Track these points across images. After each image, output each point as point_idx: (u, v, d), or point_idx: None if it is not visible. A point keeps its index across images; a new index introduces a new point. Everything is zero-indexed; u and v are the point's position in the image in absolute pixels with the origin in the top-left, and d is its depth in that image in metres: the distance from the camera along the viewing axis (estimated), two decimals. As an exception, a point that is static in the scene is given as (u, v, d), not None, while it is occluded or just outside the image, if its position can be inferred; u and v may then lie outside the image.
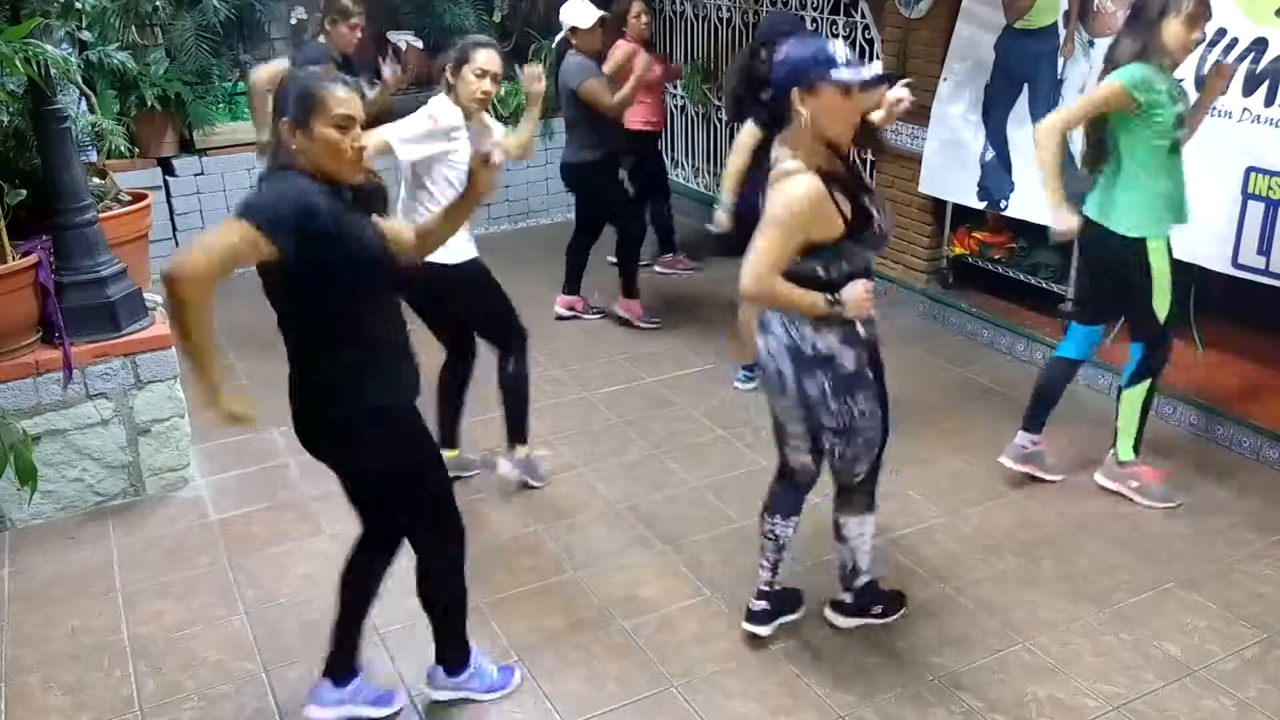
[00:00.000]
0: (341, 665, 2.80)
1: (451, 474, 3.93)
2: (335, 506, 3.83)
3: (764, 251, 2.55)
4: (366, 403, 2.45)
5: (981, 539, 3.60)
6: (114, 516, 3.84)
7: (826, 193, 2.54)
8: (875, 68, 2.57)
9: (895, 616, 3.17)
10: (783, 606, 3.17)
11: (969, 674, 2.95)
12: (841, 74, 2.49)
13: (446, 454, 3.96)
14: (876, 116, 3.13)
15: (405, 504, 2.62)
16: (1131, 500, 3.76)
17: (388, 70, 5.25)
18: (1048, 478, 3.91)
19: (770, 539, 3.06)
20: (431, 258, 3.52)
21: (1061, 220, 3.42)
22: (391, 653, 3.08)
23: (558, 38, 5.33)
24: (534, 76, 3.94)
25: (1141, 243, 3.46)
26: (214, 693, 2.95)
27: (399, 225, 2.69)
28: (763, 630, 3.11)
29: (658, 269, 6.35)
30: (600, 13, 5.14)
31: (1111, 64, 3.40)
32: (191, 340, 2.28)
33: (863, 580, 3.11)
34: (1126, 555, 3.48)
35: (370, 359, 2.45)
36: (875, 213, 2.64)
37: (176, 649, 3.13)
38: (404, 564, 3.53)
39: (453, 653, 2.84)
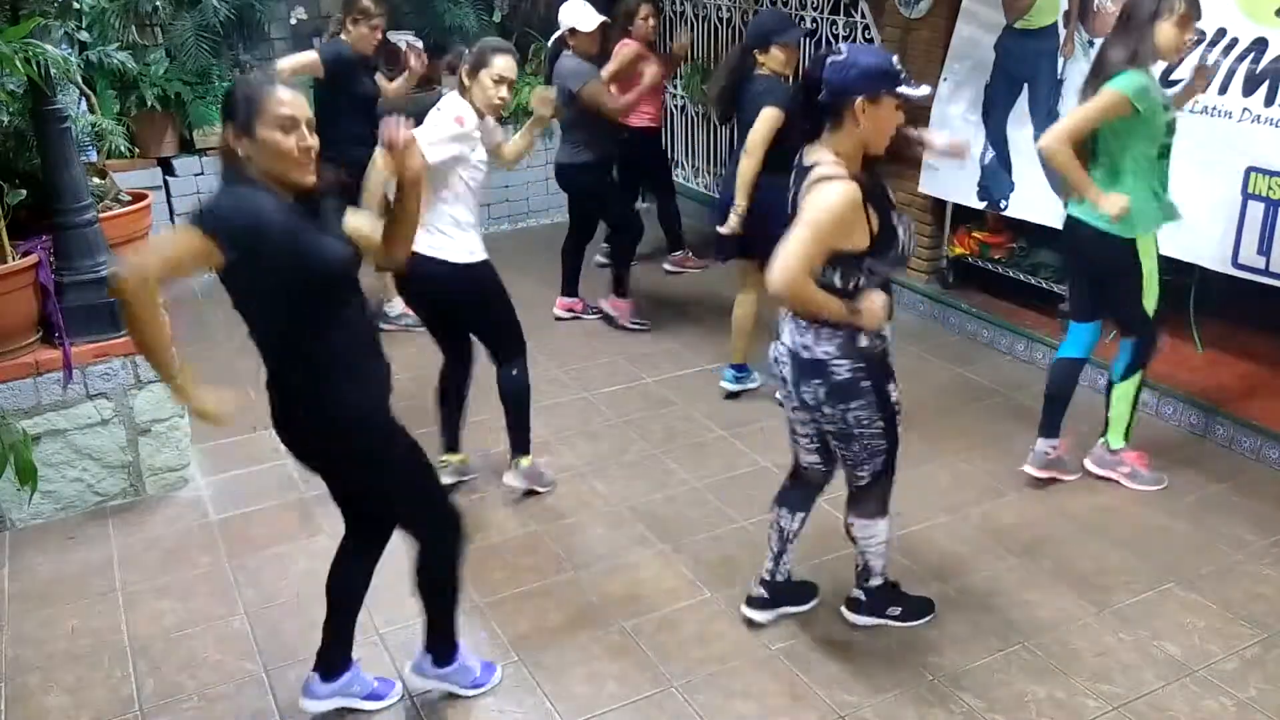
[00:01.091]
0: (332, 662, 2.81)
1: (454, 478, 3.97)
2: (335, 506, 3.83)
3: (797, 251, 2.53)
4: (340, 410, 2.44)
5: (981, 539, 3.60)
6: (114, 516, 3.84)
7: (862, 202, 2.55)
8: (926, 89, 2.61)
9: (916, 622, 3.13)
10: (784, 598, 3.19)
11: (969, 674, 2.95)
12: (906, 89, 2.54)
13: (451, 458, 3.97)
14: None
15: (392, 500, 2.65)
16: (1121, 484, 3.84)
17: (413, 60, 5.38)
18: (1068, 478, 3.91)
19: (776, 530, 3.11)
20: (443, 256, 3.54)
21: (1113, 201, 3.38)
22: (392, 653, 3.08)
23: (553, 37, 5.33)
24: (544, 100, 3.94)
25: (1132, 243, 3.50)
26: (214, 693, 2.95)
27: (367, 227, 2.62)
28: (757, 616, 3.15)
29: (668, 267, 6.37)
30: (602, 17, 5.14)
31: (1101, 69, 3.41)
32: (141, 340, 2.31)
33: (875, 581, 3.10)
34: (1126, 555, 3.48)
35: (338, 365, 2.43)
36: (900, 231, 2.66)
37: (176, 649, 3.13)
38: (405, 565, 3.54)
39: (442, 644, 2.85)
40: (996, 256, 5.30)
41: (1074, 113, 3.46)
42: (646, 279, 6.18)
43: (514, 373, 3.80)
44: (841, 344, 2.68)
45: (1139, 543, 3.55)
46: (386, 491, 2.62)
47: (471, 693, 2.90)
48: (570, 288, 5.68)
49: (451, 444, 3.98)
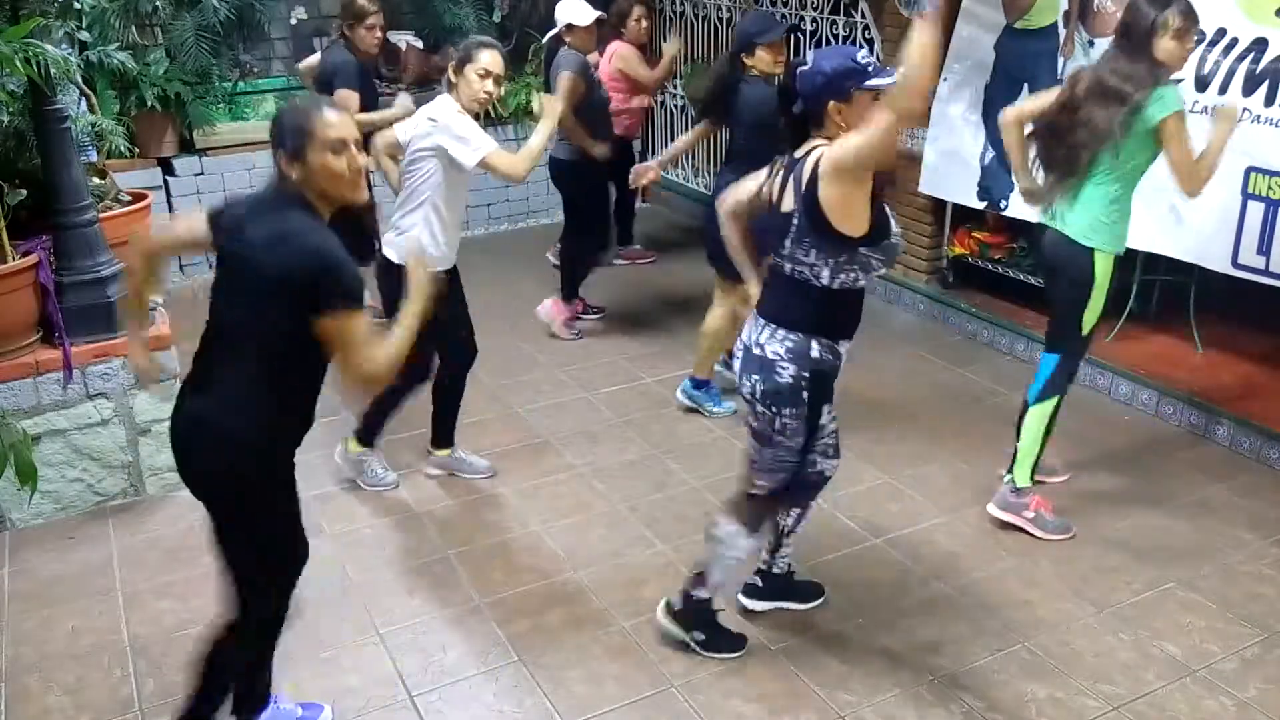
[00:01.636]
0: (246, 705, 2.68)
1: (442, 471, 4.02)
2: (335, 506, 3.84)
3: (883, 129, 2.46)
4: (261, 432, 2.39)
5: (981, 539, 3.60)
6: (114, 516, 3.84)
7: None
8: (900, 71, 2.55)
9: (716, 655, 3.00)
10: (782, 593, 3.20)
11: (969, 674, 2.95)
12: (876, 81, 2.54)
13: (439, 451, 4.01)
14: None
15: (242, 552, 2.49)
16: (1029, 533, 3.59)
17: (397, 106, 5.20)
18: (1052, 480, 3.89)
19: (770, 523, 3.10)
20: (395, 258, 3.54)
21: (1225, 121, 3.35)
22: (391, 653, 3.08)
23: (549, 34, 5.33)
24: (550, 105, 3.86)
25: (1090, 253, 3.40)
26: (214, 693, 2.95)
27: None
28: (750, 604, 3.17)
29: (617, 261, 6.39)
30: (598, 13, 5.13)
31: (1119, 94, 3.25)
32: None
33: (701, 594, 2.97)
34: (1126, 555, 3.48)
35: (296, 393, 2.43)
36: (892, 221, 2.68)
37: (176, 649, 3.12)
38: (402, 566, 3.54)
39: (246, 703, 2.68)
40: (996, 256, 5.30)
41: (1181, 154, 3.25)
42: (647, 278, 6.20)
43: (444, 374, 3.86)
44: (794, 348, 2.68)
45: (1139, 543, 3.55)
46: (244, 538, 2.47)
47: None
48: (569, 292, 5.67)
49: (441, 439, 4.03)
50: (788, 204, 2.65)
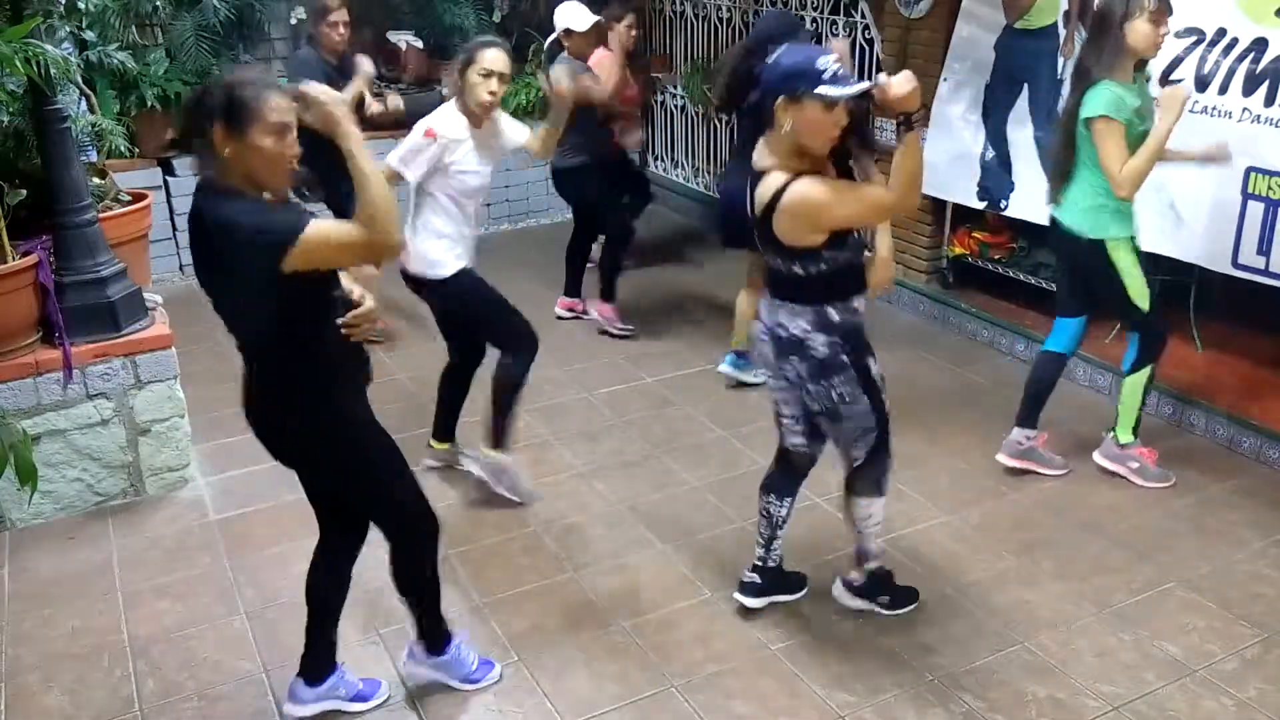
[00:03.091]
0: (315, 666, 2.81)
1: (440, 463, 4.04)
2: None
3: (866, 195, 2.70)
4: (331, 411, 2.47)
5: (981, 539, 3.60)
6: (114, 516, 3.84)
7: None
8: (862, 85, 2.55)
9: (900, 611, 3.18)
10: (776, 586, 3.22)
11: (969, 674, 2.95)
12: (826, 89, 2.51)
13: (438, 445, 4.02)
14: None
15: (367, 500, 2.65)
16: (1130, 480, 3.86)
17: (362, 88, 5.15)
18: (1048, 472, 3.94)
19: (764, 516, 3.16)
20: (416, 269, 3.60)
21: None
22: (391, 653, 3.08)
23: (549, 39, 5.33)
24: (559, 86, 3.89)
25: (1100, 244, 3.55)
26: (214, 693, 2.95)
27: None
28: (750, 602, 3.19)
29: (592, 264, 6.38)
30: (596, 18, 5.13)
31: (1082, 74, 3.45)
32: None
33: (872, 564, 3.15)
34: (1126, 555, 3.48)
35: (332, 363, 2.47)
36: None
37: (176, 649, 3.13)
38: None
39: (431, 635, 2.87)
40: (996, 256, 5.30)
41: (1105, 156, 3.37)
42: (647, 279, 6.18)
43: (506, 363, 3.83)
44: (814, 319, 2.73)
45: (1139, 543, 3.55)
46: (363, 491, 2.63)
47: (465, 687, 2.90)
48: (573, 288, 5.68)
49: (440, 432, 4.04)
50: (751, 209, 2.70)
